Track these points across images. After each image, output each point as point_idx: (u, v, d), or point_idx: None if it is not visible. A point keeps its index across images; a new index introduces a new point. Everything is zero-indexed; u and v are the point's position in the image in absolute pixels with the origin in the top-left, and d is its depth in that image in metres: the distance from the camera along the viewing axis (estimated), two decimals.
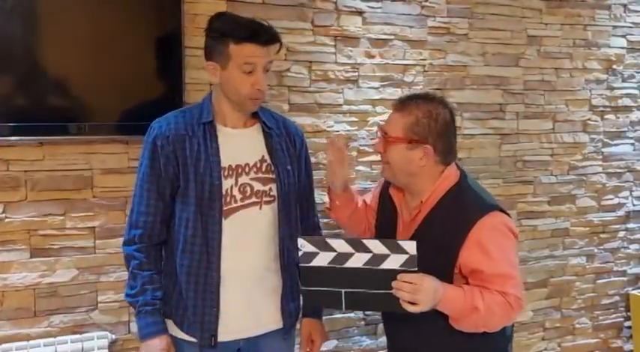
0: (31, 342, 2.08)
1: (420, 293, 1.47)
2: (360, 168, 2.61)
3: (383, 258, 1.52)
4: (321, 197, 2.54)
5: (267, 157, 1.73)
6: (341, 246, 1.54)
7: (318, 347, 1.88)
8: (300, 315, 1.88)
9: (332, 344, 2.62)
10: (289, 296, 1.79)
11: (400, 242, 1.52)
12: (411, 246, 1.51)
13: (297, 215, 1.82)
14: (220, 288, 1.67)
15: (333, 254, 1.54)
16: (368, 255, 1.52)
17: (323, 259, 1.54)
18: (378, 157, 2.58)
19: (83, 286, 2.19)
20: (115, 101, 2.14)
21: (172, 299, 1.70)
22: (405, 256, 1.50)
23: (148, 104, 2.13)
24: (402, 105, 1.63)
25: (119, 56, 2.12)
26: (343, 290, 1.55)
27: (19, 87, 2.03)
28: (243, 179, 1.69)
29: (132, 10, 2.14)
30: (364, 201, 1.96)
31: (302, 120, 2.50)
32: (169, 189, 1.66)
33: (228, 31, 1.62)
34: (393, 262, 1.51)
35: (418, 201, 1.66)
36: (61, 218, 2.15)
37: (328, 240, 1.55)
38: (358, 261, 1.53)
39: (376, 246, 1.53)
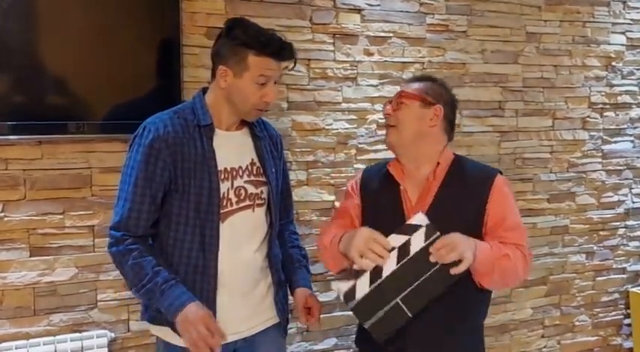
0: (31, 341, 2.09)
1: (458, 246, 1.48)
2: (359, 166, 2.60)
3: (407, 245, 1.51)
4: (320, 195, 2.56)
5: (256, 160, 1.73)
6: (366, 263, 1.51)
7: (318, 313, 1.81)
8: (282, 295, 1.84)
9: (332, 342, 2.63)
10: (279, 291, 1.79)
11: (409, 222, 1.53)
12: (420, 219, 1.51)
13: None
14: (217, 293, 1.65)
15: (367, 274, 1.51)
16: (394, 253, 1.51)
17: (363, 286, 1.52)
18: (376, 155, 2.63)
19: (82, 285, 2.20)
20: (114, 100, 2.14)
21: None
22: (423, 229, 1.50)
23: (147, 102, 2.13)
24: (418, 77, 1.78)
25: (117, 55, 2.12)
26: (399, 300, 1.50)
27: (18, 85, 2.03)
28: (238, 182, 1.68)
29: (130, 9, 2.14)
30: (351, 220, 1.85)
31: (301, 119, 2.50)
32: (162, 193, 1.62)
33: (250, 41, 1.59)
34: (418, 242, 1.50)
35: (430, 166, 1.66)
36: (60, 217, 2.16)
37: (355, 267, 1.53)
38: (391, 263, 1.51)
39: (395, 240, 1.52)
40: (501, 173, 1.71)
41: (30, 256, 2.13)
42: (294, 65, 1.71)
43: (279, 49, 1.62)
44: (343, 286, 1.53)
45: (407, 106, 1.66)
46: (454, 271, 1.48)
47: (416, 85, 1.70)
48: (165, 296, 1.56)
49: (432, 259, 1.49)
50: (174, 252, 1.65)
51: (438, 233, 1.50)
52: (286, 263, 1.85)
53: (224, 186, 1.65)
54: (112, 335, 2.21)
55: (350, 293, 1.53)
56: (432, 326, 1.61)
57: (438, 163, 1.66)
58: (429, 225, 1.51)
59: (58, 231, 2.15)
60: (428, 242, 1.50)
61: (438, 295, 1.51)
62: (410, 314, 1.51)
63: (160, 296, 1.57)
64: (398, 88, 2.58)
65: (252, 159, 1.73)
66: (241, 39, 1.60)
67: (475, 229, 1.60)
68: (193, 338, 1.52)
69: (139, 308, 2.26)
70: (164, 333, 1.70)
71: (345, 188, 2.48)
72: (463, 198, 1.63)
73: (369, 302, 1.52)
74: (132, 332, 2.27)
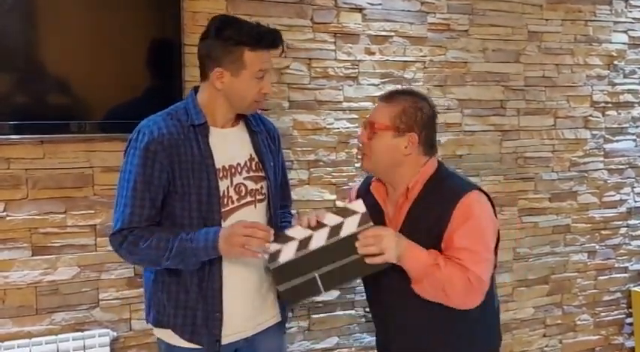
0: (33, 340, 2.09)
1: (384, 240, 1.53)
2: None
3: (339, 226, 1.57)
4: (321, 194, 2.56)
5: (254, 156, 1.73)
6: (298, 232, 1.58)
7: None
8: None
9: (333, 341, 2.63)
10: None
11: (348, 205, 1.60)
12: (358, 206, 1.57)
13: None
14: (223, 292, 1.65)
15: (295, 242, 1.56)
16: (326, 230, 1.57)
17: (288, 252, 1.57)
18: None
19: (84, 284, 2.20)
20: (115, 99, 2.15)
21: (168, 308, 1.67)
22: (358, 216, 1.56)
23: (148, 102, 2.13)
24: (388, 97, 1.69)
25: (119, 54, 2.12)
26: (317, 274, 1.56)
27: (20, 85, 2.03)
28: (237, 179, 1.68)
29: (132, 9, 2.14)
30: None
31: (302, 118, 2.50)
32: (161, 195, 1.61)
33: (243, 39, 1.59)
34: (350, 226, 1.56)
35: (403, 189, 1.67)
36: (62, 216, 2.16)
37: (286, 232, 1.59)
38: (320, 239, 1.56)
39: (329, 219, 1.58)
40: (480, 189, 1.64)
41: (32, 255, 2.13)
42: (283, 51, 1.72)
43: (272, 40, 1.63)
44: (271, 247, 1.57)
45: (379, 136, 1.63)
46: (369, 261, 1.53)
47: (388, 111, 1.63)
48: (196, 240, 1.56)
49: (357, 245, 1.53)
50: None
51: (371, 223, 1.56)
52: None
53: (223, 185, 1.65)
54: (114, 334, 2.21)
55: (274, 255, 1.58)
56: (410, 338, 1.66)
57: (408, 188, 1.64)
58: (364, 213, 1.57)
59: (60, 230, 2.16)
60: (359, 229, 1.55)
61: (353, 280, 1.59)
62: (323, 291, 1.57)
63: (191, 244, 1.56)
64: (398, 88, 2.63)
65: (251, 155, 1.73)
66: (234, 38, 1.59)
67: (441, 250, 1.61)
68: (243, 243, 1.53)
69: (141, 308, 2.27)
70: (167, 335, 1.70)
71: (346, 187, 2.52)
72: (430, 219, 1.60)
73: (289, 269, 1.57)
74: (134, 331, 2.27)
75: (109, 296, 2.23)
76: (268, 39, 1.62)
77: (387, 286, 1.66)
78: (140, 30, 2.17)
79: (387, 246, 1.52)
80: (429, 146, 1.67)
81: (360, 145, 1.71)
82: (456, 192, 1.61)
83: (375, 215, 1.69)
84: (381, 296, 1.72)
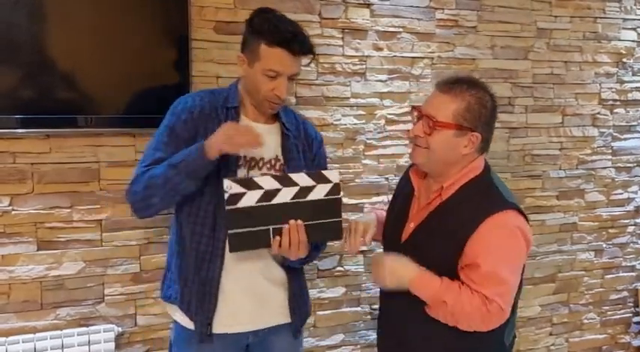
0: (38, 335, 2.08)
1: (380, 271, 1.54)
2: (367, 161, 2.59)
3: (309, 189, 1.57)
4: None
5: (280, 157, 1.73)
6: (268, 182, 1.55)
7: None
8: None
9: (339, 338, 2.62)
10: (298, 294, 1.78)
11: (324, 172, 1.59)
12: (334, 175, 1.59)
13: None
14: (223, 277, 1.65)
15: (261, 191, 1.54)
16: (295, 189, 1.56)
17: (250, 199, 1.54)
18: (384, 151, 2.62)
19: (90, 279, 2.19)
20: (122, 94, 2.13)
21: (178, 285, 1.70)
22: (329, 185, 1.57)
23: (155, 97, 2.12)
24: (449, 88, 1.54)
25: (126, 49, 2.11)
26: (271, 227, 1.55)
27: (26, 79, 2.02)
28: (254, 172, 1.68)
29: (139, 3, 2.13)
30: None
31: (309, 114, 2.48)
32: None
33: (263, 30, 1.60)
34: (319, 192, 1.57)
35: (439, 185, 1.58)
36: (68, 210, 2.15)
37: (255, 179, 1.55)
38: (286, 195, 1.56)
39: (302, 179, 1.57)
40: (519, 210, 1.53)
41: (37, 250, 2.12)
42: (311, 61, 1.69)
43: (289, 41, 1.59)
44: (235, 187, 1.54)
45: (440, 133, 1.51)
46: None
47: (452, 107, 1.50)
48: (185, 154, 1.56)
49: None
50: (187, 227, 1.66)
51: (340, 196, 1.59)
52: None
53: (240, 173, 1.66)
54: (119, 329, 2.21)
55: (235, 197, 1.53)
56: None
57: (442, 187, 1.56)
58: (337, 184, 1.58)
59: (65, 225, 2.15)
60: (326, 198, 1.57)
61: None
62: (272, 245, 1.57)
63: (182, 158, 1.55)
64: (407, 84, 2.62)
65: (277, 156, 1.73)
66: (256, 28, 1.62)
67: (452, 260, 1.52)
68: (229, 137, 1.51)
69: (147, 303, 2.28)
70: (173, 312, 1.73)
71: (352, 184, 2.50)
72: (452, 225, 1.52)
73: (245, 215, 1.54)
74: (139, 326, 2.26)
75: (115, 292, 2.22)
76: (285, 39, 1.59)
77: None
78: (147, 24, 2.15)
79: (380, 276, 1.54)
80: (487, 143, 1.57)
81: (413, 139, 1.59)
82: (491, 205, 1.49)
83: (406, 199, 1.67)
84: (385, 294, 1.71)
